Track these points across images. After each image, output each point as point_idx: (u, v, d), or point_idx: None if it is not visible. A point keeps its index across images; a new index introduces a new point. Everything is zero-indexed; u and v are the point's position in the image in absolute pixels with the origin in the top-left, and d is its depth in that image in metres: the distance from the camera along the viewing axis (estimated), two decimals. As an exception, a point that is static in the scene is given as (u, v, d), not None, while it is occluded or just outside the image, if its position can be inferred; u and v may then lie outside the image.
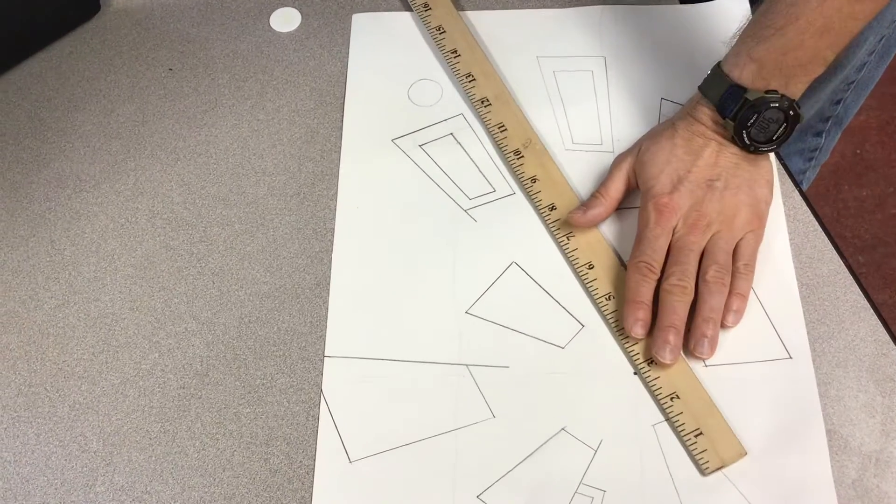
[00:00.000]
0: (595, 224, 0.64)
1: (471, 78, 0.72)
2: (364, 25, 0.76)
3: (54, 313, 0.63)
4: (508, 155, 0.68)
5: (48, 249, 0.66)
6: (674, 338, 0.58)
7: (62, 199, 0.68)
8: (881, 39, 0.87)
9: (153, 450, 0.58)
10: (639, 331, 0.59)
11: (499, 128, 0.69)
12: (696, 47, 0.73)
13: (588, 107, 0.71)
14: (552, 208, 0.65)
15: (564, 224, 0.64)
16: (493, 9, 0.76)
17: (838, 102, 0.95)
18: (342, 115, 0.71)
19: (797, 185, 0.67)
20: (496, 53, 0.74)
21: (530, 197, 0.66)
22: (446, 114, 0.71)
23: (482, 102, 0.70)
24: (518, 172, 0.67)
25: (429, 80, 0.73)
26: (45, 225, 0.67)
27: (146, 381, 0.60)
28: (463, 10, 0.76)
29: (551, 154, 0.68)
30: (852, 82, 0.92)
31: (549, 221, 0.65)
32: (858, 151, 1.53)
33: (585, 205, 0.64)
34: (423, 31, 0.75)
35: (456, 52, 0.73)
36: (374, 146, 0.69)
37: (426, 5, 0.76)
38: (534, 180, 0.67)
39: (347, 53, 0.75)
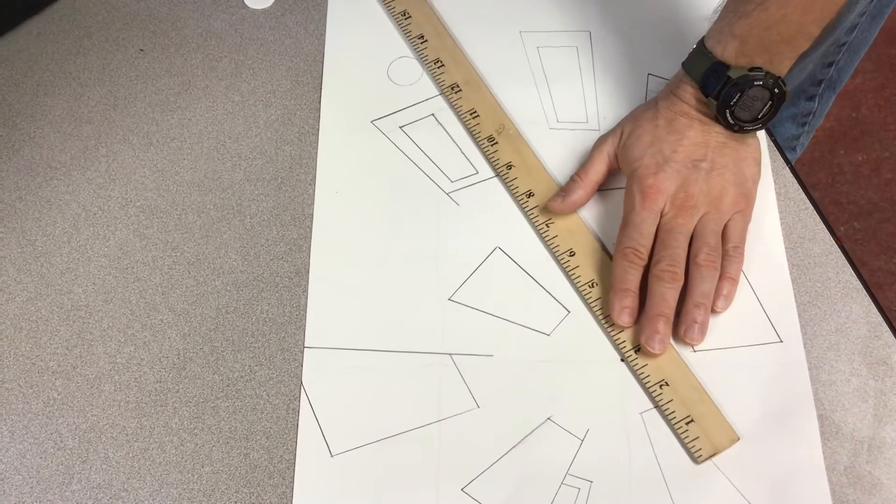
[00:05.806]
0: (574, 210, 0.62)
1: (439, 64, 0.69)
2: (341, 1, 0.74)
3: (26, 306, 0.62)
4: (482, 141, 0.66)
5: (19, 240, 0.64)
6: (663, 327, 0.57)
7: (32, 187, 0.66)
8: (872, 0, 0.84)
9: (130, 446, 0.57)
10: (626, 319, 0.58)
11: (471, 114, 0.67)
12: (683, 19, 0.71)
13: (573, 84, 0.69)
14: (530, 195, 0.64)
15: (543, 211, 0.63)
16: (475, -18, 0.74)
17: (830, 65, 0.92)
18: (320, 96, 0.69)
19: (787, 161, 0.65)
20: (478, 28, 0.71)
21: (507, 184, 0.64)
22: (427, 93, 0.69)
23: (452, 89, 0.68)
24: (493, 159, 0.65)
25: (408, 57, 0.70)
26: (14, 215, 0.65)
27: (122, 375, 0.59)
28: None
29: (536, 133, 0.66)
30: (844, 44, 0.89)
31: (527, 209, 0.63)
32: (854, 115, 1.50)
33: (564, 190, 0.62)
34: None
35: (423, 37, 0.71)
36: (353, 128, 0.67)
37: None
38: (509, 167, 0.65)
39: (324, 31, 0.72)
